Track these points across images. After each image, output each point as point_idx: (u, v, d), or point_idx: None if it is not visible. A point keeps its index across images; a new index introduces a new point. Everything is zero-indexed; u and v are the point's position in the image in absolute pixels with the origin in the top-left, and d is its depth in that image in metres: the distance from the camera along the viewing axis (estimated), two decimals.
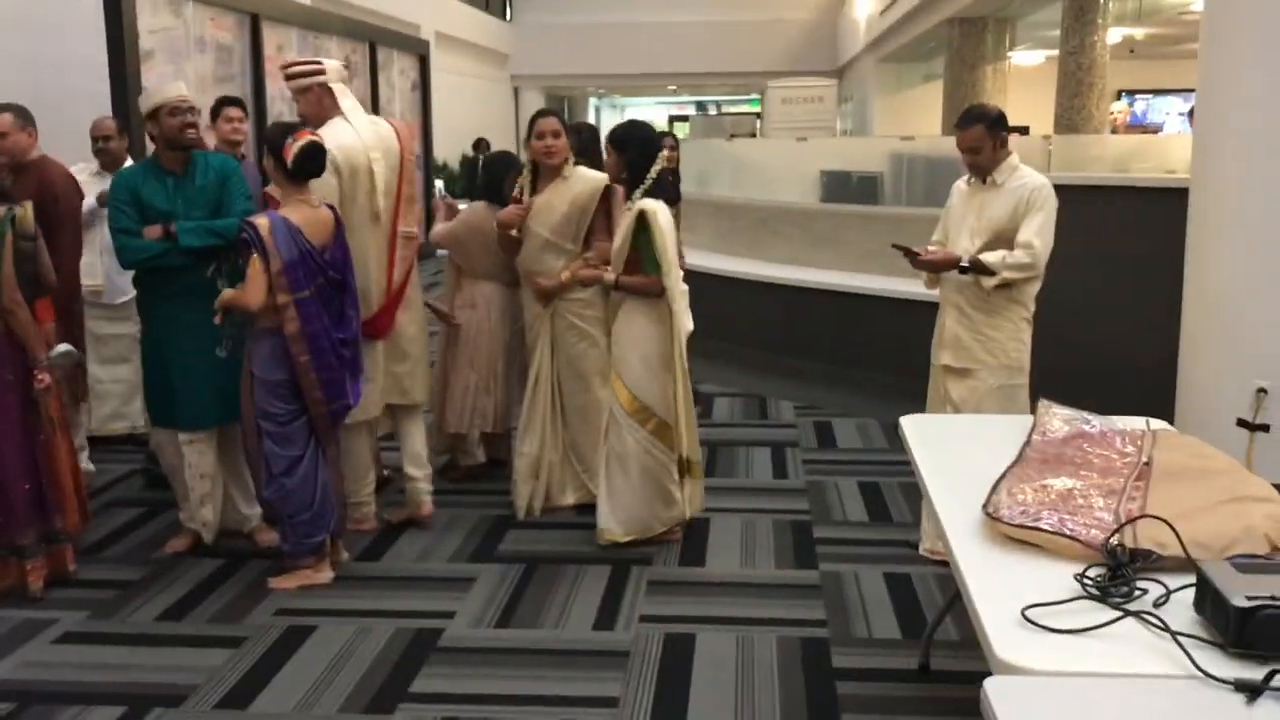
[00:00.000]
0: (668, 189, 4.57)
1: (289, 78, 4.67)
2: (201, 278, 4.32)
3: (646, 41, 23.87)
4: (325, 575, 4.28)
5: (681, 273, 4.57)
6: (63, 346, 4.30)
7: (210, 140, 5.33)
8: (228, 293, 4.03)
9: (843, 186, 9.12)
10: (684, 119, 30.86)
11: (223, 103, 5.60)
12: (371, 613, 4.02)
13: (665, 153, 4.64)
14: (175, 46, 7.76)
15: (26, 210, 4.19)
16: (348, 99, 4.62)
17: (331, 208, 4.27)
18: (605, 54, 24.16)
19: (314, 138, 4.11)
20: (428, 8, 18.08)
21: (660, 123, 34.46)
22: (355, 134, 4.49)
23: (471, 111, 20.09)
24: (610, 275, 4.55)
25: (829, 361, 7.37)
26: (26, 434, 4.12)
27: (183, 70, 7.89)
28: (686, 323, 4.50)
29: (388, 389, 4.76)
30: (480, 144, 15.76)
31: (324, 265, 4.13)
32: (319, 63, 4.64)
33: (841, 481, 5.50)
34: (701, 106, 34.57)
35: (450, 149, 17.59)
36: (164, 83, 5.71)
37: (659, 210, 4.40)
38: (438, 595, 4.17)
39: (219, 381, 4.38)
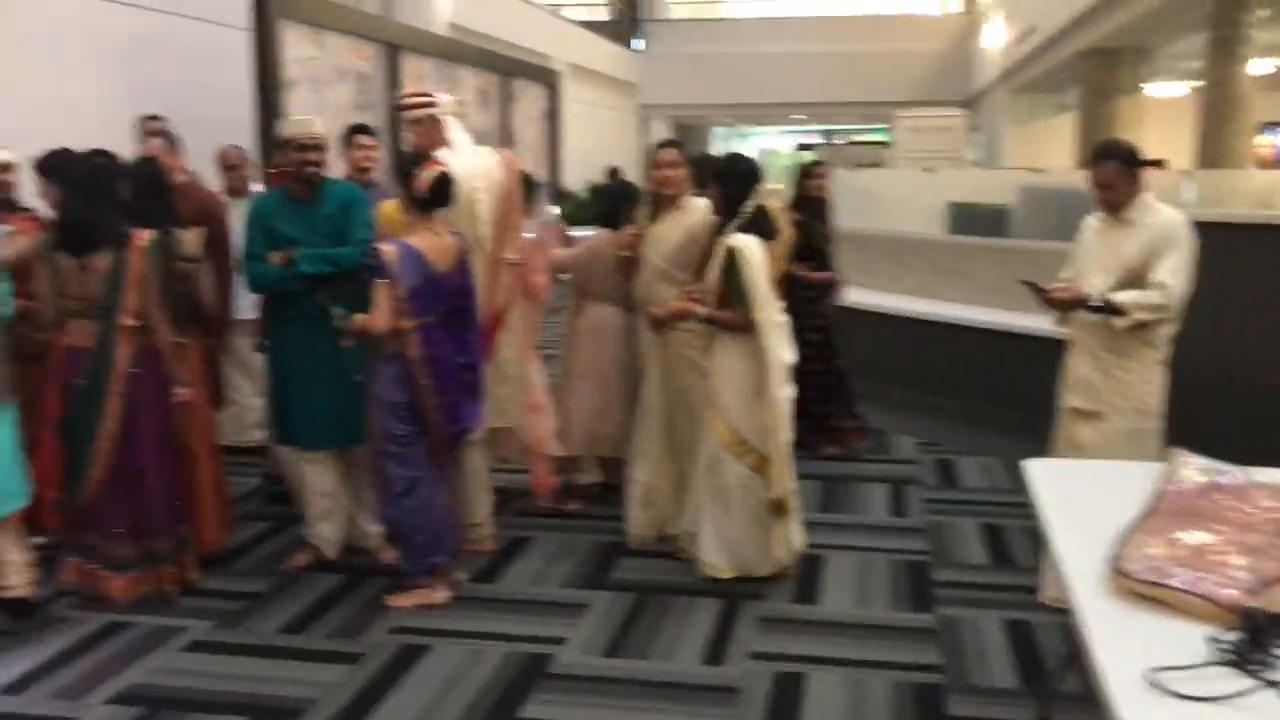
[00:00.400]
0: (764, 223, 4.52)
1: (405, 108, 4.87)
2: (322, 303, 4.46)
3: (774, 72, 23.83)
4: (441, 595, 4.34)
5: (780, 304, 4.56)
6: None
7: (341, 168, 5.49)
8: (358, 318, 4.13)
9: (971, 218, 8.95)
10: (810, 148, 30.69)
11: (354, 131, 5.72)
12: (484, 635, 4.06)
13: (764, 186, 4.64)
14: (317, 76, 8.03)
15: (191, 235, 4.49)
16: (457, 131, 4.79)
17: (456, 235, 4.37)
18: (733, 84, 24.20)
19: (443, 168, 4.22)
20: (561, 40, 18.40)
21: (789, 151, 34.38)
22: (461, 165, 4.60)
23: (600, 141, 20.33)
24: (701, 309, 4.54)
25: (953, 397, 7.20)
26: (165, 446, 4.30)
27: (324, 99, 8.16)
28: (782, 356, 4.45)
29: (488, 410, 4.84)
30: (614, 172, 15.92)
31: (447, 292, 4.22)
32: (432, 95, 4.82)
33: (962, 522, 5.36)
34: (828, 135, 34.35)
35: (579, 177, 17.82)
36: (299, 116, 5.92)
37: (748, 246, 4.38)
38: (549, 620, 4.20)
39: (338, 404, 4.50)
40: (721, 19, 28.20)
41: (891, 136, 18.97)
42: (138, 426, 4.22)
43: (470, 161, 4.70)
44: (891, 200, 10.25)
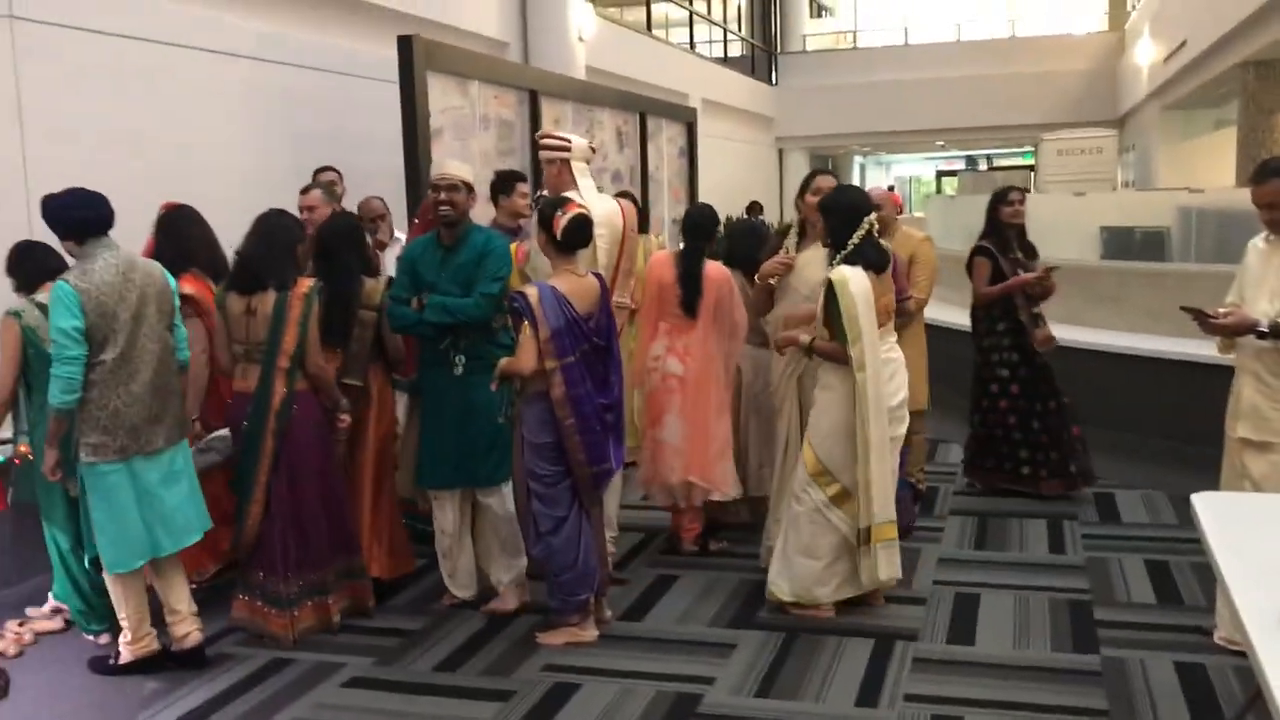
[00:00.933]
0: (871, 255, 4.43)
1: (542, 148, 5.07)
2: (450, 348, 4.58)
3: (913, 99, 23.52)
4: (590, 633, 4.38)
5: (894, 339, 4.57)
6: (222, 432, 4.66)
7: (490, 215, 5.62)
8: (504, 361, 4.23)
9: (1126, 242, 8.66)
10: (952, 174, 30.19)
11: (513, 179, 5.82)
12: (634, 674, 4.07)
13: (872, 217, 4.46)
14: (462, 124, 8.27)
15: (376, 283, 4.75)
16: (585, 177, 4.95)
17: (598, 276, 4.44)
18: (870, 113, 23.97)
19: (581, 210, 4.29)
20: (696, 77, 18.54)
21: (928, 178, 33.85)
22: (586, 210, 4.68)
23: (737, 175, 20.37)
24: (805, 337, 4.51)
25: (1111, 428, 6.94)
26: (327, 481, 4.50)
27: (468, 146, 8.39)
28: (880, 391, 4.37)
29: None
30: (754, 207, 15.95)
31: (589, 332, 4.28)
32: (568, 141, 4.96)
33: (1125, 559, 5.15)
34: (971, 161, 33.68)
35: (718, 212, 17.88)
36: (443, 159, 6.11)
37: (850, 279, 4.34)
38: (698, 659, 4.18)
39: (462, 447, 4.58)
40: (856, 48, 28.02)
41: (1037, 160, 18.51)
42: (296, 464, 4.40)
43: (594, 208, 4.75)
44: (1040, 226, 9.95)
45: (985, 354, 6.19)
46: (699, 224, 5.36)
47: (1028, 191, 6.95)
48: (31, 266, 4.48)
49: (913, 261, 5.67)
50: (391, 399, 4.99)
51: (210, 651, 4.33)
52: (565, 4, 12.28)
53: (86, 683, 4.14)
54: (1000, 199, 6.17)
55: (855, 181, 32.22)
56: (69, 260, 4.13)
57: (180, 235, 4.86)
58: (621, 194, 7.35)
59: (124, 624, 4.16)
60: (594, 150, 5.14)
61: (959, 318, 8.60)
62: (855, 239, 4.42)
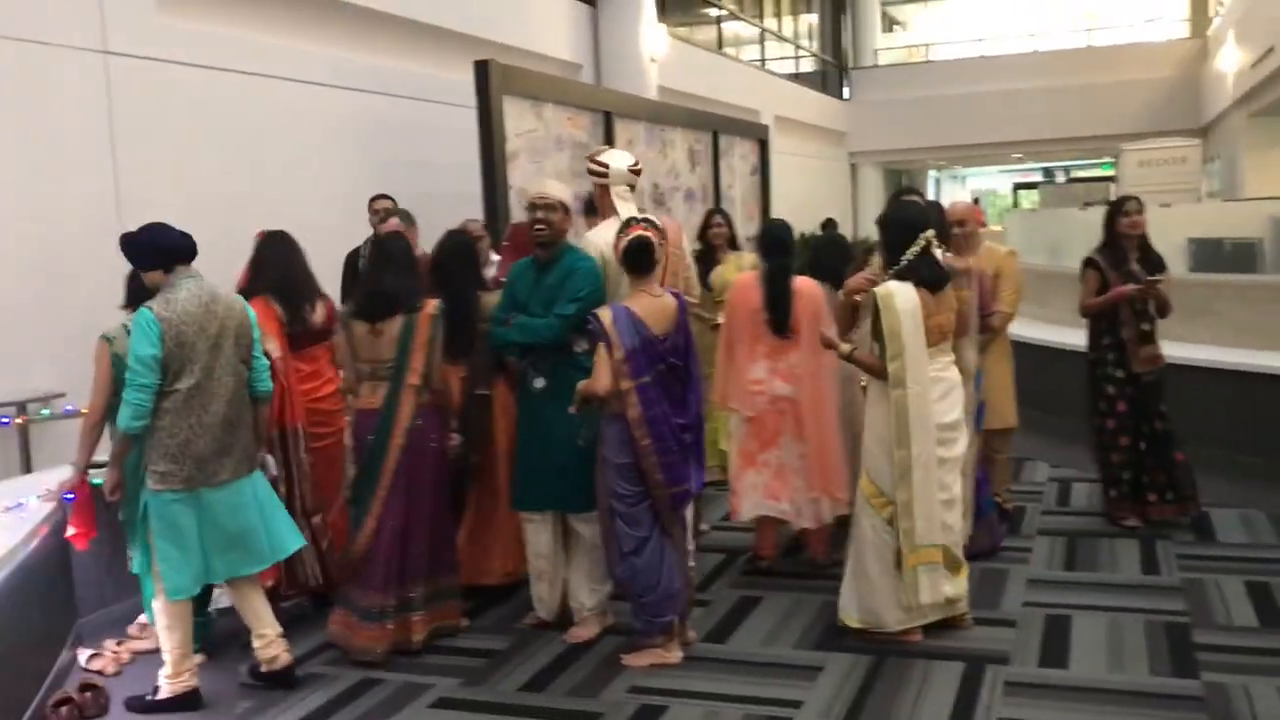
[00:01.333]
0: (924, 271, 4.36)
1: (589, 172, 5.13)
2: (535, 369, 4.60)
3: (988, 111, 23.23)
4: (675, 655, 4.36)
5: (951, 359, 4.49)
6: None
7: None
8: (581, 383, 4.25)
9: (1215, 254, 8.44)
10: (1030, 186, 29.74)
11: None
12: (719, 696, 4.04)
13: (929, 233, 4.39)
14: (537, 146, 8.34)
15: (493, 297, 4.88)
16: (625, 201, 4.99)
17: (676, 295, 4.44)
18: (945, 126, 23.71)
19: (641, 233, 4.30)
20: (767, 94, 18.51)
21: (1004, 191, 33.39)
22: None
23: (810, 191, 20.27)
24: (846, 346, 4.52)
25: (1204, 445, 6.74)
26: (437, 496, 4.61)
27: (542, 168, 8.46)
28: (929, 410, 4.31)
29: None
30: (829, 224, 15.85)
31: (664, 352, 4.27)
32: (606, 167, 5.03)
33: (1224, 580, 4.99)
34: (1048, 173, 33.16)
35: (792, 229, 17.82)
36: (535, 179, 6.18)
37: (896, 294, 4.29)
38: (784, 682, 4.14)
39: (553, 468, 4.56)
40: (929, 62, 27.77)
41: (1117, 171, 18.15)
42: (414, 480, 4.51)
43: None
44: None
45: (1092, 369, 5.99)
46: (780, 239, 5.29)
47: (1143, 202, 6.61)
48: (137, 285, 4.55)
49: (998, 276, 5.57)
50: (514, 408, 5.00)
51: (300, 672, 4.39)
52: (637, 25, 12.35)
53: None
54: (1117, 210, 5.95)
55: (930, 196, 31.92)
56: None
57: (263, 261, 4.96)
58: (714, 211, 7.41)
59: (166, 657, 4.14)
60: (637, 172, 5.14)
61: (1042, 334, 8.46)
62: (910, 255, 4.37)
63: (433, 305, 4.53)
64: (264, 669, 4.27)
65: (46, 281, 5.92)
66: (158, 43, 6.67)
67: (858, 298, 4.80)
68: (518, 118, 8.04)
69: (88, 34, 6.23)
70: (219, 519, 4.10)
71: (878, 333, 4.36)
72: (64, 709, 3.98)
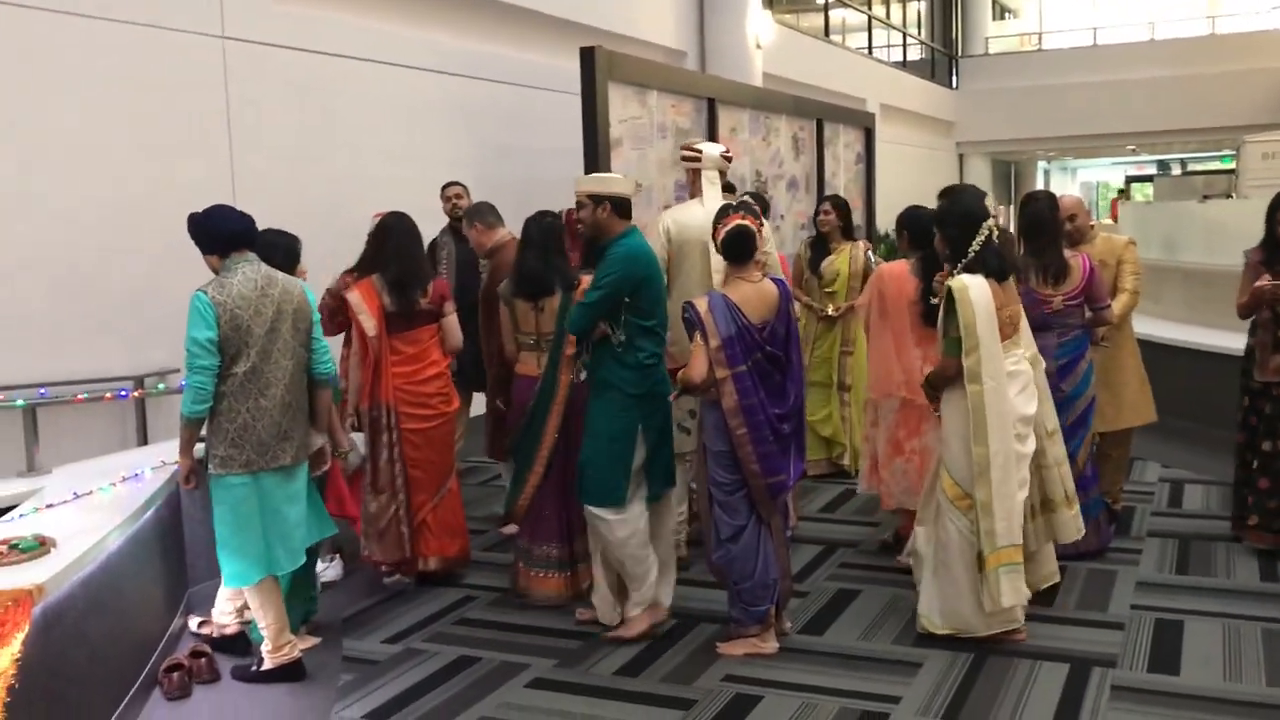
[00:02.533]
0: (993, 262, 4.24)
1: (682, 158, 5.48)
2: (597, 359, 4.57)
3: (1101, 101, 22.58)
4: (771, 645, 4.33)
5: (1024, 351, 4.36)
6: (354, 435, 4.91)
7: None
8: (682, 372, 4.25)
9: None
10: (1144, 179, 28.84)
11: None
12: (815, 689, 3.99)
13: (990, 222, 4.26)
14: (640, 134, 8.33)
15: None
16: (713, 185, 5.28)
17: (779, 282, 4.39)
18: (1056, 116, 23.13)
19: (740, 222, 4.26)
20: (874, 81, 18.26)
21: (1116, 183, 32.45)
22: (702, 215, 5.02)
23: (915, 181, 19.93)
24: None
25: None
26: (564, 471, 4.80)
27: (645, 156, 8.45)
28: (1007, 406, 4.19)
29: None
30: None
31: (761, 341, 4.23)
32: (699, 151, 5.32)
33: None
34: (1164, 165, 32.14)
35: (892, 219, 17.58)
36: (619, 172, 6.23)
37: (970, 287, 4.16)
38: (882, 677, 4.08)
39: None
40: (1041, 50, 27.09)
41: (1238, 163, 17.50)
42: (572, 440, 4.71)
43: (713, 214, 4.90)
44: (1243, 233, 9.41)
45: (1241, 376, 5.57)
46: (929, 228, 4.94)
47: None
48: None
49: (1120, 264, 5.50)
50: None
51: (399, 648, 4.49)
52: (743, 12, 12.25)
53: None
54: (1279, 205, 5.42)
55: (1039, 187, 31.20)
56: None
57: (380, 241, 5.06)
58: (826, 199, 7.33)
59: (264, 632, 4.20)
60: (728, 159, 5.42)
61: (1155, 330, 8.20)
62: (975, 246, 4.24)
63: (586, 282, 4.59)
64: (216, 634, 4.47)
65: (163, 259, 6.10)
66: (272, 28, 6.83)
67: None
68: (622, 104, 8.04)
69: (207, 19, 6.40)
70: (279, 505, 4.13)
71: (950, 327, 4.25)
72: (175, 674, 4.11)
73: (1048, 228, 5.06)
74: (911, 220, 5.19)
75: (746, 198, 5.57)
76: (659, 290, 4.53)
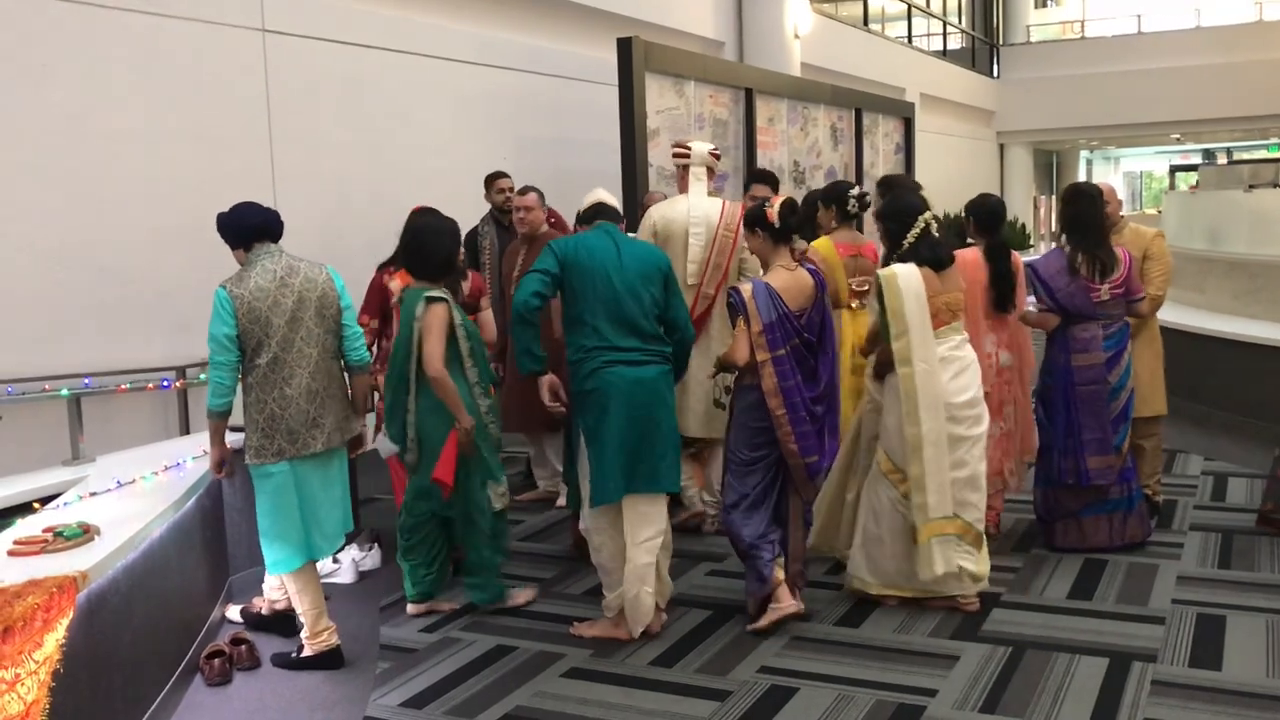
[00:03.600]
0: (925, 252, 4.52)
1: (674, 155, 5.70)
2: None
3: (1146, 89, 22.28)
4: (788, 602, 4.43)
5: (963, 338, 4.59)
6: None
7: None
8: (723, 354, 4.41)
9: None
10: (1189, 168, 28.43)
11: (756, 177, 6.33)
12: (852, 681, 3.98)
13: (926, 215, 4.56)
14: (677, 124, 8.32)
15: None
16: (699, 181, 5.54)
17: (814, 272, 4.45)
18: (1098, 105, 22.84)
19: (785, 197, 4.53)
20: (914, 71, 18.12)
21: (1160, 173, 32.02)
22: (686, 210, 5.43)
23: (955, 170, 19.79)
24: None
25: None
26: None
27: None
28: (940, 388, 4.44)
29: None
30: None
31: (800, 328, 4.36)
32: (688, 149, 5.58)
33: None
34: (1209, 154, 31.65)
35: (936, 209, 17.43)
36: (656, 162, 6.37)
37: (898, 275, 4.45)
38: (919, 670, 4.06)
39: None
40: (1084, 38, 26.76)
41: None
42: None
43: (697, 209, 5.43)
44: None
45: None
46: (999, 215, 5.43)
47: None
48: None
49: (1146, 258, 5.42)
50: None
51: (436, 636, 4.52)
52: (782, 1, 12.20)
53: None
54: None
55: (1081, 177, 30.86)
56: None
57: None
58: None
59: (303, 619, 4.26)
60: (717, 156, 5.72)
61: (1199, 321, 8.10)
62: (910, 237, 4.55)
63: None
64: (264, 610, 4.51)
65: (205, 251, 6.15)
66: (312, 21, 6.87)
67: (861, 284, 5.09)
68: (659, 95, 8.04)
69: (248, 13, 6.45)
70: (315, 491, 4.21)
71: (883, 313, 4.50)
72: (216, 661, 4.16)
73: (1095, 219, 5.10)
74: (979, 207, 5.40)
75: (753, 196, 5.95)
76: (587, 284, 4.38)
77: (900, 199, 4.74)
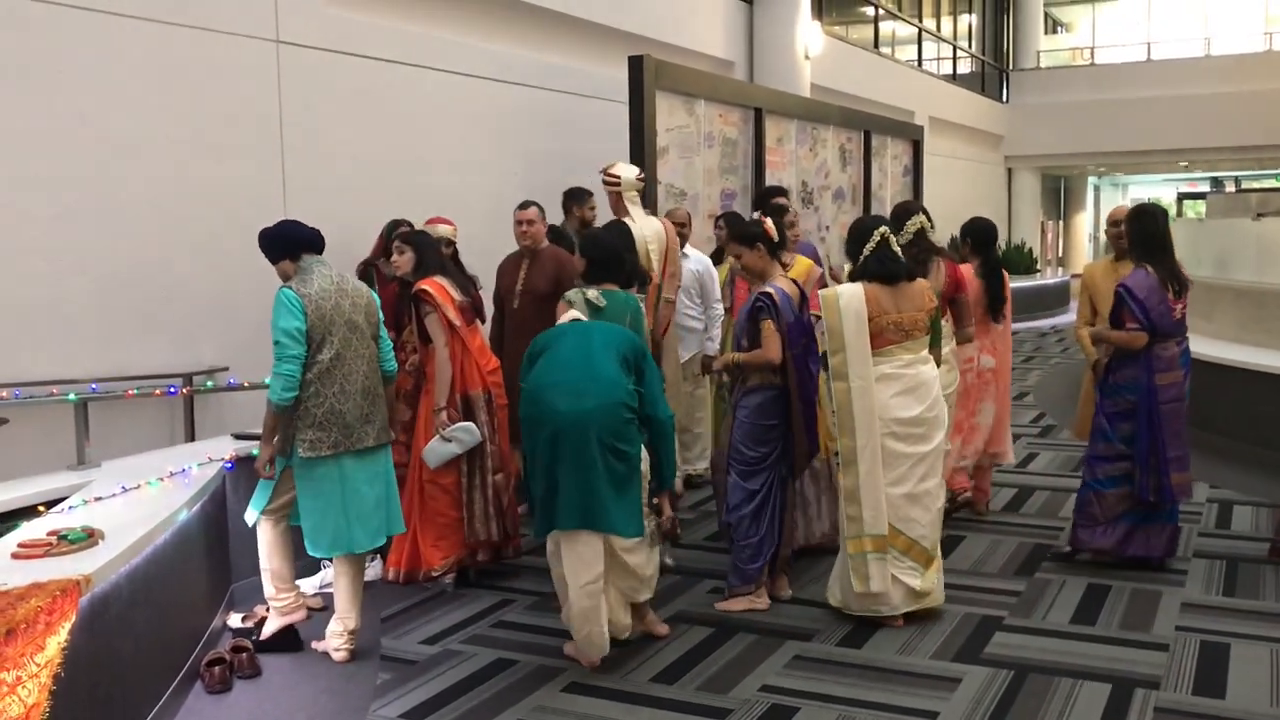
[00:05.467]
0: (873, 267, 4.64)
1: (604, 184, 6.05)
2: None
3: (1155, 117, 22.33)
4: (763, 601, 4.85)
5: (912, 357, 4.65)
6: (466, 424, 5.10)
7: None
8: (751, 353, 4.69)
9: None
10: (1196, 196, 28.49)
11: (771, 193, 6.49)
12: (853, 701, 3.97)
13: (881, 229, 4.69)
14: (687, 142, 8.34)
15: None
16: (635, 205, 6.01)
17: (797, 284, 4.91)
18: (1108, 131, 22.89)
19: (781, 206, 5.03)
20: (923, 94, 18.17)
21: (1168, 201, 32.04)
22: (639, 230, 5.82)
23: (962, 193, 19.82)
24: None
25: None
26: None
27: (691, 164, 8.46)
28: (874, 403, 4.54)
29: None
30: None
31: (804, 330, 4.79)
32: (618, 177, 5.98)
33: None
34: (1217, 183, 31.69)
35: (940, 230, 17.44)
36: (668, 181, 6.47)
37: (840, 295, 4.59)
38: (920, 693, 4.04)
39: None
40: (1094, 65, 26.83)
41: None
42: None
43: (649, 225, 5.95)
44: None
45: None
46: (993, 235, 6.20)
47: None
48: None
49: None
50: None
51: (436, 649, 4.51)
52: (793, 22, 12.25)
53: (328, 669, 4.36)
54: None
55: (1089, 203, 30.88)
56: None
57: (433, 246, 5.33)
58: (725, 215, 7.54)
59: (336, 605, 4.48)
60: (642, 180, 6.16)
61: (1206, 349, 8.08)
62: (866, 252, 4.67)
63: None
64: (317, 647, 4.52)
65: (214, 260, 6.19)
66: (326, 33, 6.90)
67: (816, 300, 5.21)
68: (669, 113, 8.06)
69: (261, 23, 6.48)
70: (359, 486, 4.37)
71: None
72: (217, 668, 4.16)
73: (1166, 238, 5.28)
74: (973, 229, 6.14)
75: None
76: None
77: (858, 222, 4.93)
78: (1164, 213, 5.37)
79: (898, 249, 4.74)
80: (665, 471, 4.37)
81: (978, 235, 6.09)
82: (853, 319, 4.54)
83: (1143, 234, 5.26)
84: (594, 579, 4.18)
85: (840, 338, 4.56)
